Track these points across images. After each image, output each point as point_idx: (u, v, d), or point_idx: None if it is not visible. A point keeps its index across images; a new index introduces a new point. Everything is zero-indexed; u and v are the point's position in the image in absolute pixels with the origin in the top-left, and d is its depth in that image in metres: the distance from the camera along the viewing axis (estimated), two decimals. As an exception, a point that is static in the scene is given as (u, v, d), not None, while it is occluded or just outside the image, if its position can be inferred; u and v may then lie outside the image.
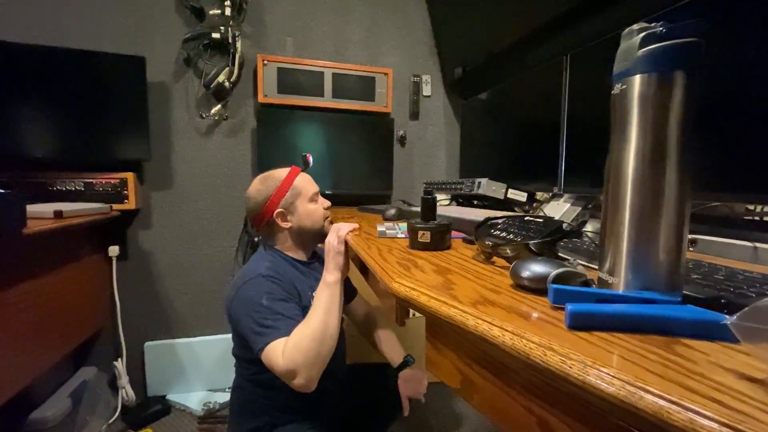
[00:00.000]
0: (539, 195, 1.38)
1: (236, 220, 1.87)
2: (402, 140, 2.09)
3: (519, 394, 0.41)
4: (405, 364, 1.16)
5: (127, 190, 1.62)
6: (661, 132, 0.35)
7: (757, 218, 0.80)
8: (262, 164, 1.71)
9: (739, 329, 0.27)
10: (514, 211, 1.31)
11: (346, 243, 0.94)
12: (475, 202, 1.44)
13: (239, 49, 1.72)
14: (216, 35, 1.69)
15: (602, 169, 0.40)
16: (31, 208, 1.15)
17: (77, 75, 1.51)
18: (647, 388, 0.25)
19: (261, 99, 1.79)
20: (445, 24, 1.98)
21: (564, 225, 0.59)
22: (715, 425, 0.21)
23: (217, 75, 1.70)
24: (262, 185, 1.05)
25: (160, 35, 1.70)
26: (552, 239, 0.56)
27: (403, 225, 0.92)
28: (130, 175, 1.62)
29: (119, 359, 1.66)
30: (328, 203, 1.11)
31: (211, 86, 1.71)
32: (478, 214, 0.98)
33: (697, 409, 0.22)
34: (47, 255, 1.27)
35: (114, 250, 1.63)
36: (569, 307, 0.34)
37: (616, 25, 1.01)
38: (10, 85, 1.43)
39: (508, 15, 1.46)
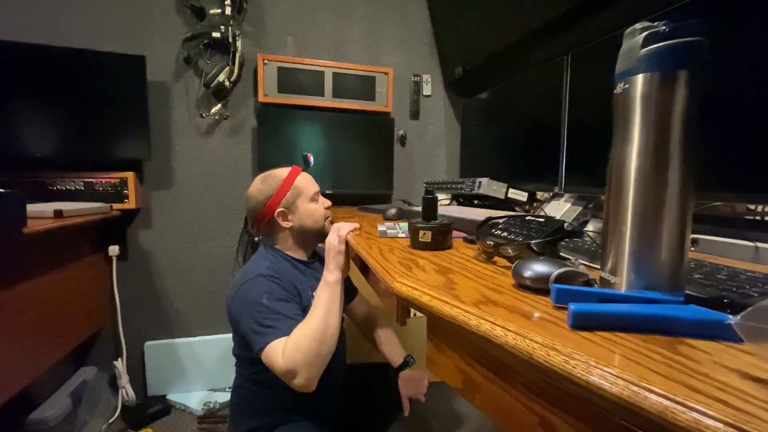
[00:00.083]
0: (540, 195, 1.38)
1: (236, 220, 1.87)
2: (402, 140, 2.08)
3: (521, 394, 0.40)
4: (405, 364, 1.16)
5: (127, 189, 1.61)
6: (664, 131, 0.35)
7: (758, 218, 0.80)
8: (263, 164, 1.71)
9: (742, 329, 0.28)
10: (514, 210, 1.30)
11: (346, 242, 0.94)
12: (476, 201, 1.44)
13: (239, 49, 1.72)
14: (216, 34, 1.69)
15: (603, 169, 0.40)
16: (31, 208, 1.15)
17: (77, 74, 1.51)
18: (651, 388, 0.25)
19: (261, 98, 1.78)
20: (446, 23, 1.97)
21: (565, 224, 0.59)
22: (720, 425, 0.21)
23: (217, 74, 1.70)
24: (263, 185, 1.04)
25: (160, 34, 1.70)
26: (553, 239, 0.56)
27: (404, 225, 0.91)
28: (130, 175, 1.62)
29: (119, 359, 1.66)
30: (328, 203, 1.11)
31: (212, 86, 1.71)
32: (478, 214, 0.98)
33: (701, 409, 0.22)
34: (47, 254, 1.27)
35: (114, 250, 1.64)
36: (572, 306, 0.34)
37: (617, 25, 1.01)
38: (10, 85, 1.43)
39: (508, 14, 1.46)
